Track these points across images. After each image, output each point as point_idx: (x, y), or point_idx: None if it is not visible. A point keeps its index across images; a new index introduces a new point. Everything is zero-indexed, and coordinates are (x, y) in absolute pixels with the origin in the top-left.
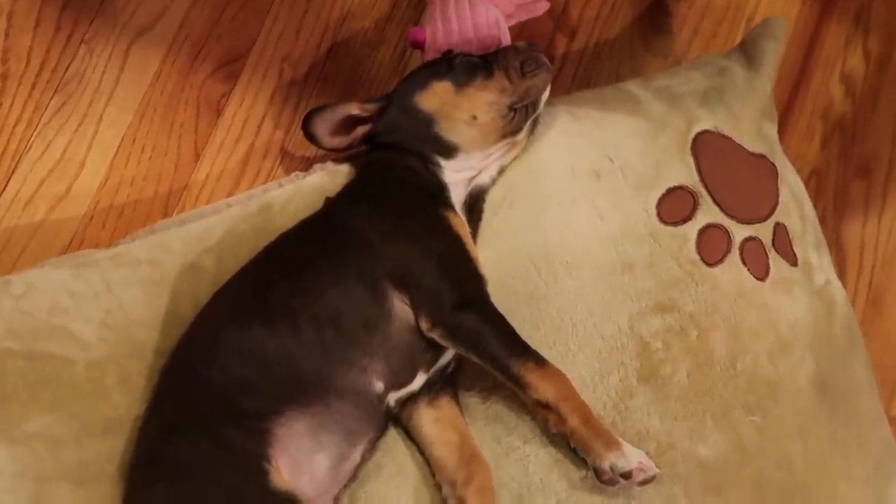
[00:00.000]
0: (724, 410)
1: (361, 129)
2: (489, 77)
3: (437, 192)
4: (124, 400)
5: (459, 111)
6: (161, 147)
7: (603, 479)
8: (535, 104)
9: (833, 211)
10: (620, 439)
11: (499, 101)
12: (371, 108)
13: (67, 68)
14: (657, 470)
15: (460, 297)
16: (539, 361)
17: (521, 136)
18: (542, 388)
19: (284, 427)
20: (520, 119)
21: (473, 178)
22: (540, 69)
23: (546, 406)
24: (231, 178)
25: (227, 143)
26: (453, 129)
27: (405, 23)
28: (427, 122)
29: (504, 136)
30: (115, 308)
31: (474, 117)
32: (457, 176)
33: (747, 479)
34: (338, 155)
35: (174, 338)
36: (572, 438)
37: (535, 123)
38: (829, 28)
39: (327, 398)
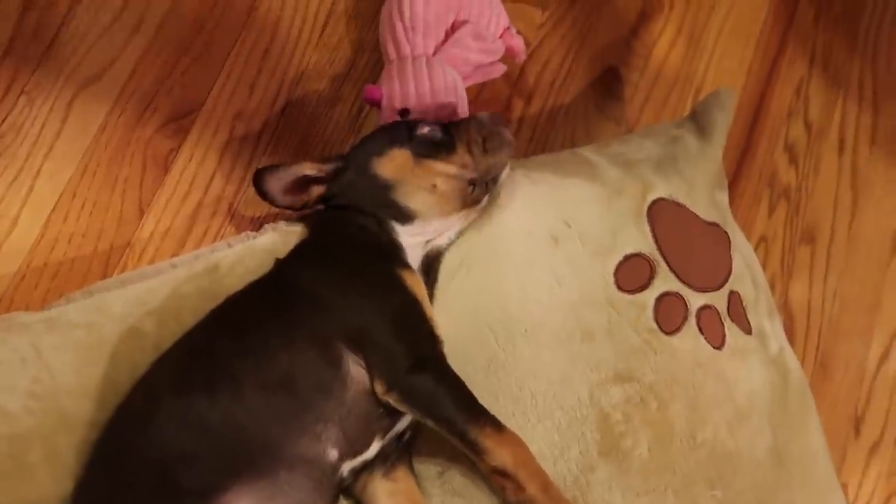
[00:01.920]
0: (685, 485)
1: (316, 190)
2: (451, 152)
3: (392, 251)
4: (50, 479)
5: (419, 180)
6: (103, 203)
7: None
8: (495, 179)
9: (781, 276)
10: None
11: (459, 176)
12: (326, 168)
13: (4, 120)
14: None
15: (416, 358)
16: (497, 426)
17: (481, 205)
18: (500, 454)
19: None
20: (479, 192)
21: (430, 241)
22: (502, 146)
23: (503, 473)
24: (177, 236)
25: (173, 200)
26: (412, 197)
27: (362, 82)
28: (385, 187)
29: (464, 207)
30: (43, 376)
31: (434, 186)
32: (412, 239)
33: None
34: (291, 214)
35: (110, 408)
36: None
37: (495, 192)
38: (773, 100)
39: (277, 469)
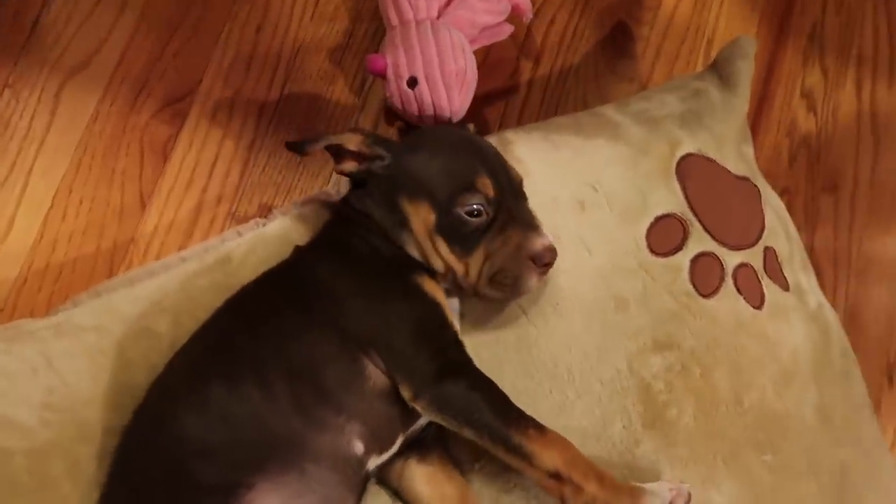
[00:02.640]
0: (734, 452)
1: (349, 165)
2: (464, 254)
3: (408, 260)
4: (74, 491)
5: (424, 243)
6: (102, 197)
7: None
8: (485, 299)
9: (805, 227)
10: (639, 485)
11: (455, 274)
12: (368, 152)
13: None
14: (687, 485)
15: (443, 365)
16: (539, 428)
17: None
18: (549, 456)
19: (255, 503)
20: (467, 295)
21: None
22: (510, 289)
23: (557, 477)
24: (182, 227)
25: (176, 190)
26: (414, 246)
27: (363, 52)
28: (399, 220)
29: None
30: (57, 385)
31: (432, 260)
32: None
33: None
34: (299, 196)
35: (128, 414)
36: None
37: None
38: (787, 47)
39: (302, 463)
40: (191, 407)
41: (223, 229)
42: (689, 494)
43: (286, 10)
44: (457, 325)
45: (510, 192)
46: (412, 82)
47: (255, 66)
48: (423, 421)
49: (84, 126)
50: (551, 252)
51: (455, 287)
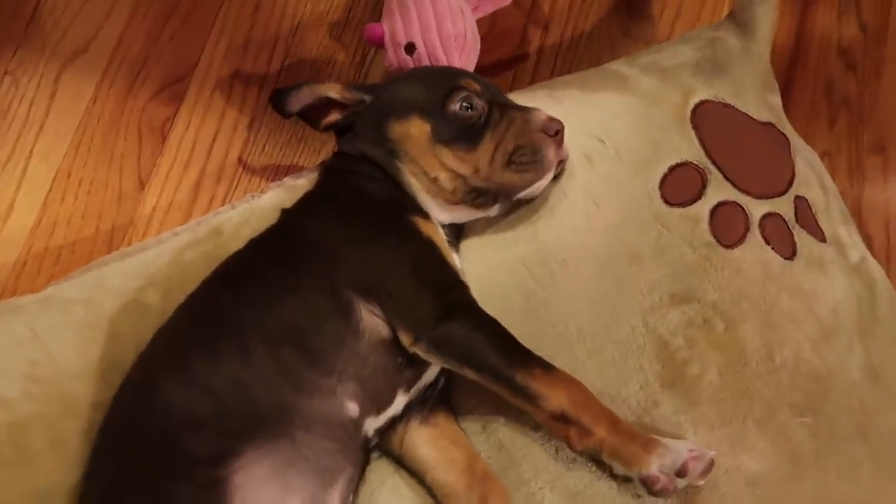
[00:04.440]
0: (767, 413)
1: (333, 116)
2: (472, 145)
3: (404, 199)
4: (57, 466)
5: (425, 162)
6: (101, 180)
7: (657, 489)
8: (509, 196)
9: (851, 191)
10: (657, 437)
11: (466, 178)
12: (350, 97)
13: None
14: (712, 453)
15: (444, 304)
16: (546, 367)
17: (492, 212)
18: (555, 397)
19: (244, 472)
20: (485, 202)
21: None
22: (532, 165)
23: (563, 419)
24: (182, 208)
25: (175, 170)
26: (411, 176)
27: (362, 28)
28: (391, 151)
29: (466, 206)
30: (42, 358)
31: (436, 178)
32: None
33: (808, 495)
34: (296, 170)
35: (115, 388)
36: (604, 452)
37: (519, 203)
38: (819, 1)
39: (292, 430)
40: (175, 377)
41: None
42: (712, 461)
43: None
44: (458, 266)
45: (496, 92)
46: (410, 48)
47: (252, 45)
48: (426, 378)
49: (83, 109)
50: (557, 121)
51: (483, 203)
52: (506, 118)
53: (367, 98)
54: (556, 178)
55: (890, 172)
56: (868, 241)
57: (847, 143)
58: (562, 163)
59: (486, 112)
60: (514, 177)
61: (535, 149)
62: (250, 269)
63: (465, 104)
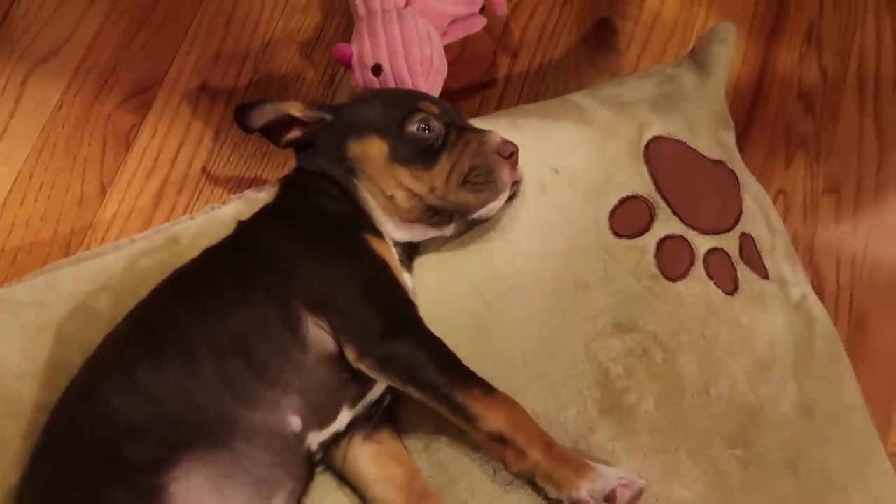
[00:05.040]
0: (700, 444)
1: (294, 133)
2: (429, 165)
3: (359, 217)
4: None
5: (382, 181)
6: (62, 184)
7: None
8: (464, 215)
9: (804, 230)
10: (589, 462)
11: (422, 197)
12: (311, 115)
13: None
14: (642, 482)
15: (390, 322)
16: (486, 388)
17: (448, 231)
18: (492, 419)
19: (181, 481)
20: (441, 220)
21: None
22: (487, 186)
23: (501, 440)
24: (142, 215)
25: (137, 178)
26: (368, 194)
27: (332, 46)
28: (349, 169)
29: (421, 224)
30: None
31: (392, 196)
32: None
33: None
34: (258, 183)
35: (60, 391)
36: (538, 474)
37: (474, 223)
38: (782, 45)
39: (232, 441)
40: (119, 383)
41: None
42: (641, 490)
43: (257, 3)
44: (408, 287)
45: (454, 115)
46: (377, 70)
47: (223, 57)
48: (371, 396)
49: (48, 114)
50: (512, 144)
51: (439, 222)
52: (462, 139)
53: (328, 117)
54: (511, 199)
55: (842, 213)
56: (819, 279)
57: (802, 183)
58: (516, 184)
59: (443, 134)
60: (469, 196)
61: (490, 169)
62: (202, 278)
63: (422, 126)
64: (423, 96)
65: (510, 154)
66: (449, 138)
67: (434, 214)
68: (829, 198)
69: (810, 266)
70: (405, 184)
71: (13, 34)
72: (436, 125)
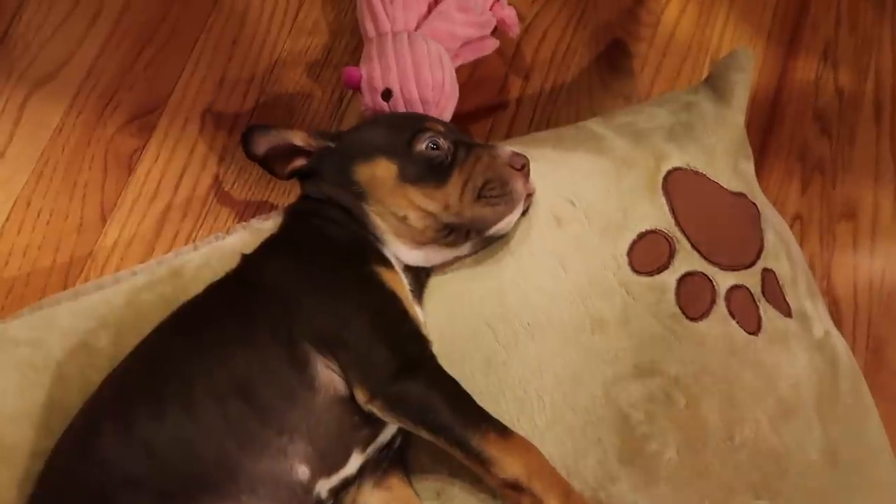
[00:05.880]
0: (725, 494)
1: (298, 162)
2: (441, 183)
3: (368, 246)
4: None
5: (393, 203)
6: (61, 210)
7: None
8: (480, 231)
9: (821, 256)
10: None
11: (437, 216)
12: (315, 144)
13: None
14: None
15: (401, 361)
16: (502, 431)
17: (463, 251)
18: (508, 464)
19: None
20: (457, 239)
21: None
22: (502, 199)
23: (516, 487)
24: (144, 242)
25: (139, 204)
26: (379, 217)
27: (340, 68)
28: (357, 194)
29: (437, 245)
30: None
31: (405, 217)
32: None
33: None
34: (262, 211)
35: (56, 435)
36: None
37: (489, 240)
38: (797, 66)
39: (235, 492)
40: (116, 431)
41: (187, 244)
42: None
43: (264, 24)
44: (420, 320)
45: (459, 134)
46: (387, 94)
47: (228, 80)
48: (382, 438)
49: (48, 138)
50: (523, 156)
51: (454, 240)
52: (472, 155)
53: (332, 144)
54: (525, 213)
55: (860, 238)
56: (835, 305)
57: (819, 208)
58: (529, 197)
59: (451, 150)
60: (485, 210)
61: (504, 182)
62: (204, 317)
63: (430, 144)
64: (427, 117)
65: (522, 166)
66: (458, 155)
67: (450, 233)
68: (846, 223)
69: (827, 291)
70: (417, 203)
71: (12, 54)
72: (444, 143)
